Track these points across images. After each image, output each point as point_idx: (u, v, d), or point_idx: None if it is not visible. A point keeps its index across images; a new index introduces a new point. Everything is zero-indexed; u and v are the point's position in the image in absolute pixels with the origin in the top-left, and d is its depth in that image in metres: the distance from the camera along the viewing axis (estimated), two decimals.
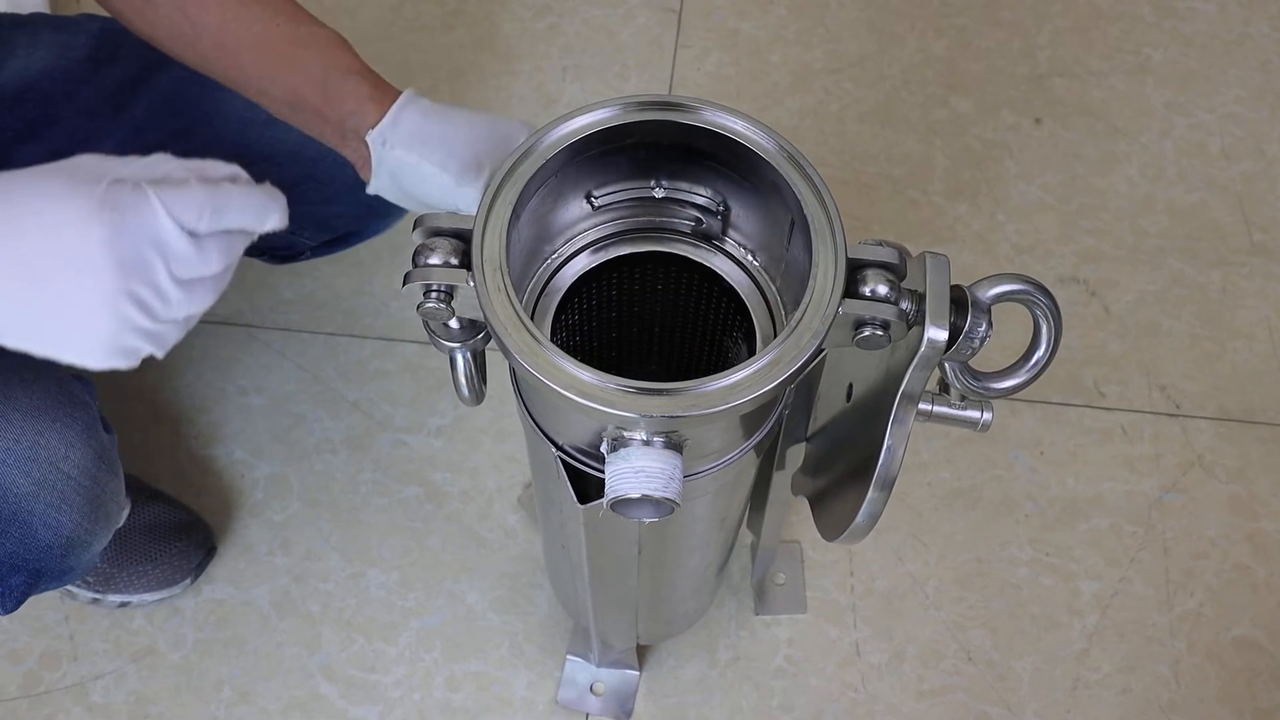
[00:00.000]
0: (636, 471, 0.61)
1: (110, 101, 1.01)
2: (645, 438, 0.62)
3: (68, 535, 0.92)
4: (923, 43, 1.66)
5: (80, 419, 0.92)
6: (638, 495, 0.61)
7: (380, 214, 1.14)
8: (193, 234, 0.59)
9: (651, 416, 0.59)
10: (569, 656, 1.22)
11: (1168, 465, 1.34)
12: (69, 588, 1.21)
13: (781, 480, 0.94)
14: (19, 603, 0.94)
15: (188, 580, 1.24)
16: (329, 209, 1.11)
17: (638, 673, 1.21)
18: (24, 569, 0.91)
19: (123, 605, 1.23)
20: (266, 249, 1.17)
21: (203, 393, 1.37)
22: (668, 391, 0.59)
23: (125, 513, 1.03)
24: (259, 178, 1.09)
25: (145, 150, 1.02)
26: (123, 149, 1.01)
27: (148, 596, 1.23)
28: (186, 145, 1.04)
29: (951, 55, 1.64)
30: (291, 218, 1.12)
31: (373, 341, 1.41)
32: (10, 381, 0.88)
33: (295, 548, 1.29)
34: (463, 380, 0.74)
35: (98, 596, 1.22)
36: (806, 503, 0.92)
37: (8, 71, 0.97)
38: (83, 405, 0.93)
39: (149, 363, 1.39)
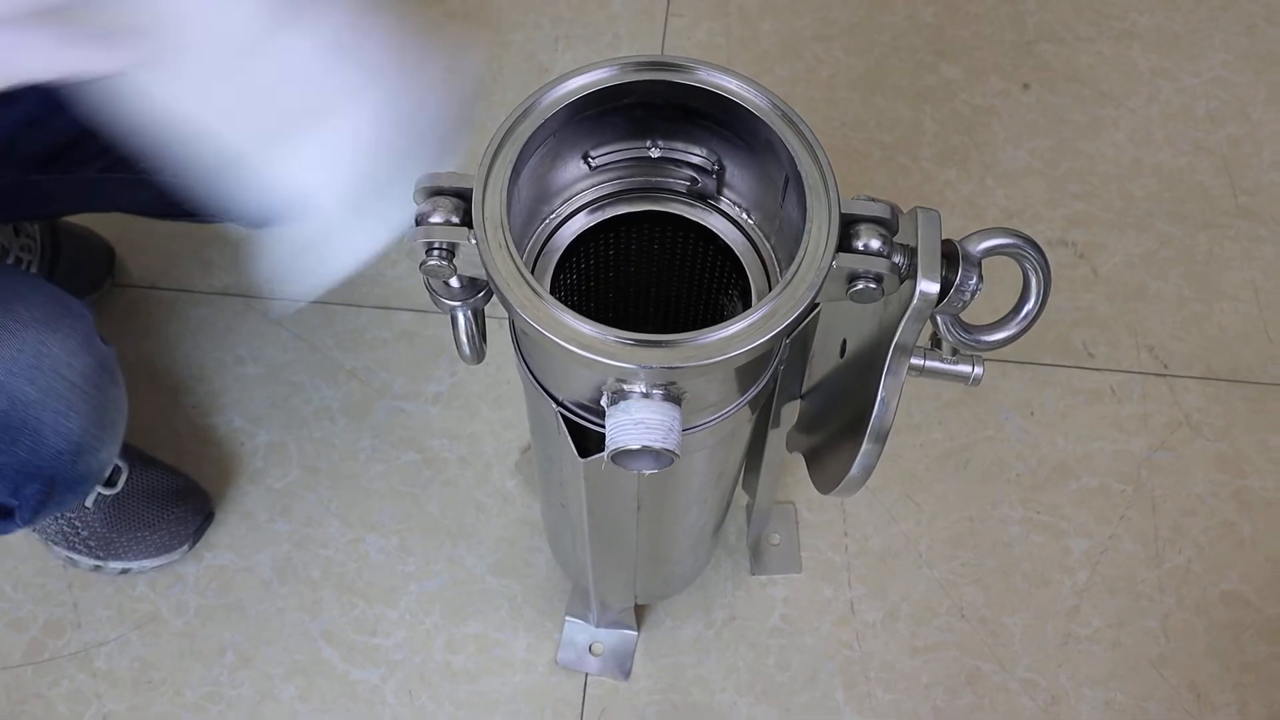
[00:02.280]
0: (636, 423, 0.63)
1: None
2: (645, 390, 0.63)
3: (76, 440, 0.93)
4: (911, 9, 1.66)
5: (79, 329, 0.93)
6: (638, 446, 0.63)
7: None
8: None
9: (651, 368, 0.60)
10: (568, 618, 1.24)
11: (1156, 424, 1.36)
12: (70, 555, 1.23)
13: (777, 440, 0.96)
14: (35, 514, 0.96)
15: (186, 546, 1.26)
16: None
17: (636, 633, 1.23)
18: (38, 477, 0.93)
19: (124, 572, 1.25)
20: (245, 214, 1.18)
21: (200, 362, 1.38)
22: (666, 343, 0.61)
23: (125, 424, 1.04)
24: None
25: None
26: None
27: (148, 563, 1.25)
28: None
29: (940, 22, 1.65)
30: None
31: (369, 310, 1.42)
32: (8, 296, 0.90)
33: (295, 514, 1.30)
34: (464, 339, 0.75)
35: (99, 564, 1.24)
36: (800, 465, 0.94)
37: None
38: (81, 317, 0.95)
39: (146, 333, 1.40)
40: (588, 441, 0.73)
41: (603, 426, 0.65)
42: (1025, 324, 0.70)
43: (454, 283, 0.70)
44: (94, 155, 1.05)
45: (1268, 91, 1.60)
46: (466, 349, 0.76)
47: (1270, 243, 1.48)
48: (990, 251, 0.67)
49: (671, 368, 0.61)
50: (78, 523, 1.21)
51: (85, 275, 1.39)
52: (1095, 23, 1.66)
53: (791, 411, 0.91)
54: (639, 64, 0.68)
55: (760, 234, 0.76)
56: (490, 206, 0.65)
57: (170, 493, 1.26)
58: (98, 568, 1.24)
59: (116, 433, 1.01)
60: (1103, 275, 1.46)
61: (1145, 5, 1.67)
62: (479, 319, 0.75)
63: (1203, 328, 1.42)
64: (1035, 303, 0.69)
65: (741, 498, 1.24)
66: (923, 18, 1.66)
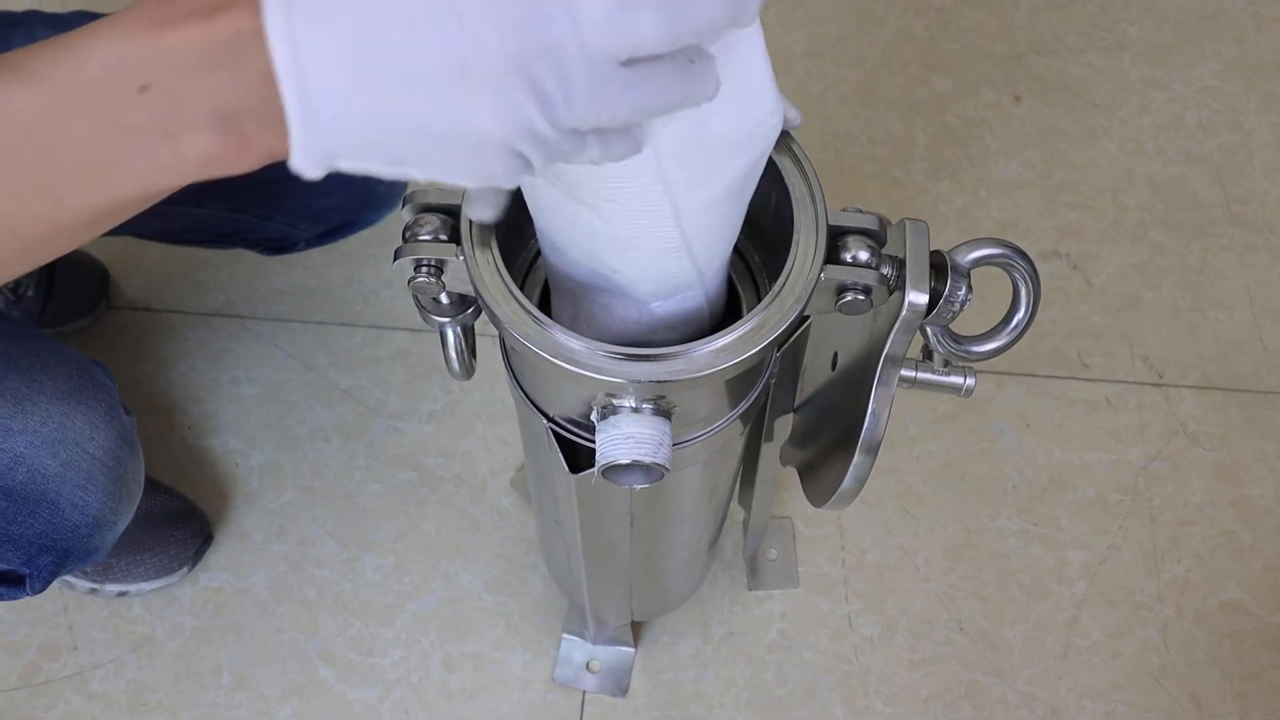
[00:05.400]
0: (626, 438, 0.63)
1: None
2: (634, 404, 0.63)
3: (94, 515, 0.93)
4: (902, 23, 1.67)
5: (103, 401, 0.93)
6: (628, 461, 0.62)
7: (374, 205, 1.15)
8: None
9: (640, 382, 0.60)
10: (564, 635, 1.23)
11: (1152, 434, 1.36)
12: (67, 578, 1.22)
13: (770, 454, 0.95)
14: (47, 583, 0.96)
15: (185, 569, 1.26)
16: (324, 201, 1.12)
17: (633, 649, 1.23)
18: (52, 549, 0.93)
19: (121, 595, 1.24)
20: (262, 240, 1.18)
21: (196, 383, 1.38)
22: (655, 357, 0.60)
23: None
24: (259, 168, 1.09)
25: None
26: None
27: (146, 585, 1.24)
28: None
29: (930, 35, 1.66)
30: (286, 210, 1.13)
31: (363, 330, 1.42)
32: (34, 366, 0.90)
33: (291, 534, 1.30)
34: (453, 355, 0.75)
35: (96, 586, 1.23)
36: (797, 480, 0.94)
37: None
38: (104, 388, 0.95)
39: (141, 354, 1.40)
40: (579, 457, 0.73)
41: (593, 442, 0.65)
42: (1015, 334, 0.70)
43: (443, 299, 0.70)
44: None
45: (1259, 100, 1.60)
46: (456, 365, 0.75)
47: (1264, 251, 1.48)
48: (979, 262, 0.67)
49: (660, 381, 0.61)
50: None
51: (80, 297, 1.39)
52: (1085, 34, 1.66)
53: (785, 425, 0.91)
54: None
55: (748, 247, 0.75)
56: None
57: (169, 515, 1.25)
58: (94, 590, 1.24)
59: (133, 504, 1.00)
60: (1096, 286, 1.46)
61: (1135, 16, 1.68)
62: (469, 335, 0.75)
63: (1198, 337, 1.42)
64: (1025, 313, 0.69)
65: (738, 513, 1.24)
66: (913, 31, 1.66)
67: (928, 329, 0.70)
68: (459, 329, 0.73)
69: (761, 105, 0.55)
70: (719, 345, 0.61)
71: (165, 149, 0.43)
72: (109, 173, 0.44)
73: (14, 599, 0.98)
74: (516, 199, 0.68)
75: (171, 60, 0.41)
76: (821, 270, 0.64)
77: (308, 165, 0.42)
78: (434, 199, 0.66)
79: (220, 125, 0.42)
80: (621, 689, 1.22)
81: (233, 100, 0.42)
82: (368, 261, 1.46)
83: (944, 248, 0.67)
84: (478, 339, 0.76)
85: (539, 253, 0.75)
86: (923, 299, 0.64)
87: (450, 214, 0.66)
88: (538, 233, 0.65)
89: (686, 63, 0.45)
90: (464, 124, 0.41)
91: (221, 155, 0.43)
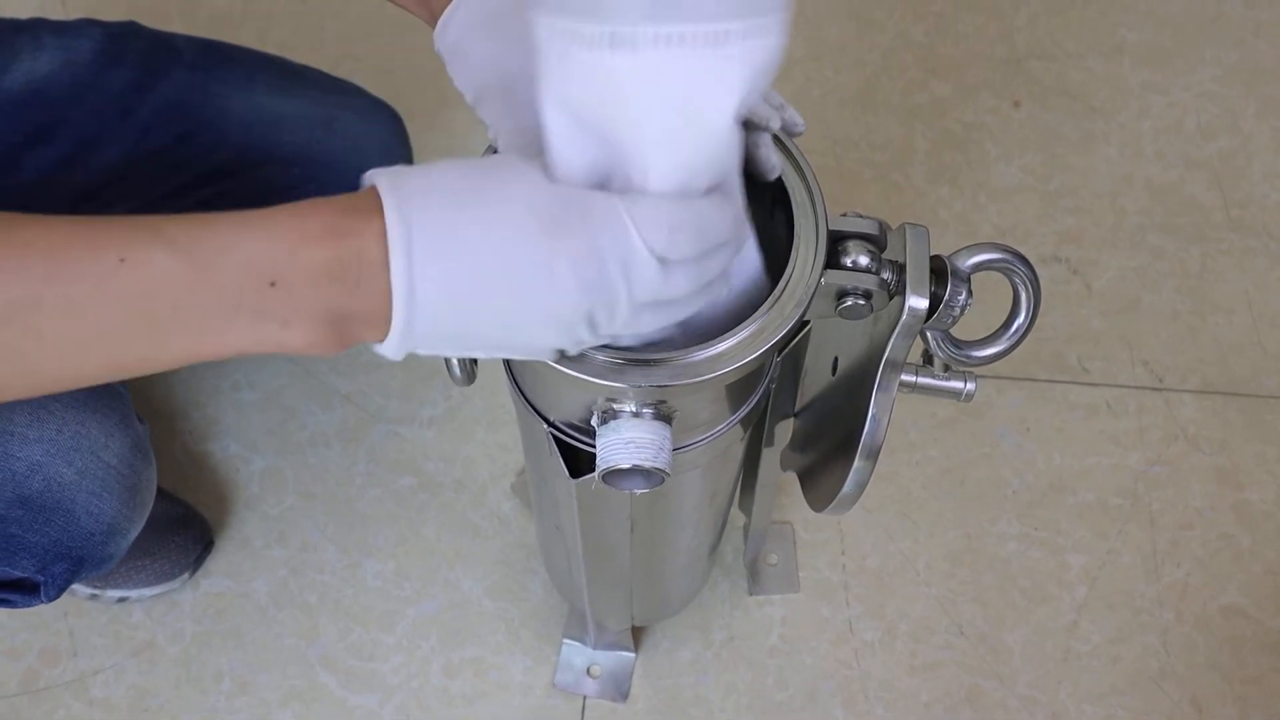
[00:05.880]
0: (627, 443, 0.63)
1: (116, 105, 1.01)
2: (634, 409, 0.63)
3: (108, 523, 0.93)
4: (901, 28, 1.67)
5: (118, 409, 0.93)
6: (628, 466, 0.62)
7: None
8: (663, 260, 0.52)
9: (640, 387, 0.60)
10: (565, 640, 1.23)
11: (1152, 439, 1.36)
12: None
13: (771, 459, 0.95)
14: (61, 591, 0.96)
15: (186, 574, 1.26)
16: None
17: (633, 655, 1.23)
18: (67, 557, 0.93)
19: (121, 600, 1.24)
20: None
21: (196, 389, 1.38)
22: (655, 362, 0.61)
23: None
24: (264, 180, 1.09)
25: (151, 153, 1.03)
26: (129, 152, 1.02)
27: (146, 591, 1.24)
28: (192, 148, 1.05)
29: (930, 40, 1.66)
30: None
31: None
32: None
33: (292, 540, 1.30)
34: (454, 360, 0.75)
35: (96, 592, 1.23)
36: (797, 485, 0.94)
37: (13, 76, 0.98)
38: (118, 396, 0.95)
39: None
40: (580, 462, 0.73)
41: (594, 446, 0.65)
42: (1016, 339, 0.70)
43: None
44: (126, 195, 1.05)
45: (1258, 104, 1.60)
46: (457, 370, 0.75)
47: (1263, 255, 1.48)
48: (979, 266, 0.67)
49: (660, 386, 0.61)
50: None
51: None
52: (1084, 39, 1.67)
53: (785, 430, 0.91)
54: None
55: None
56: None
57: (170, 521, 1.25)
58: (95, 596, 1.24)
59: (146, 511, 1.01)
60: (1096, 290, 1.46)
61: (1134, 21, 1.68)
62: None
63: (1197, 341, 1.42)
64: (1025, 317, 0.69)
65: (738, 518, 1.24)
66: (913, 36, 1.66)
67: (928, 334, 0.70)
68: None
69: (754, 277, 0.65)
70: (719, 350, 0.62)
71: (276, 331, 0.50)
72: (219, 336, 0.50)
73: (28, 606, 0.98)
74: None
75: (303, 267, 0.49)
76: (821, 275, 0.64)
77: (392, 356, 0.52)
78: None
79: (329, 322, 0.50)
80: (622, 694, 1.22)
81: (346, 306, 0.50)
82: None
83: (944, 252, 0.67)
84: None
85: None
86: (923, 303, 0.64)
87: None
88: None
89: (706, 283, 0.55)
90: (533, 344, 0.54)
91: (320, 343, 0.51)
